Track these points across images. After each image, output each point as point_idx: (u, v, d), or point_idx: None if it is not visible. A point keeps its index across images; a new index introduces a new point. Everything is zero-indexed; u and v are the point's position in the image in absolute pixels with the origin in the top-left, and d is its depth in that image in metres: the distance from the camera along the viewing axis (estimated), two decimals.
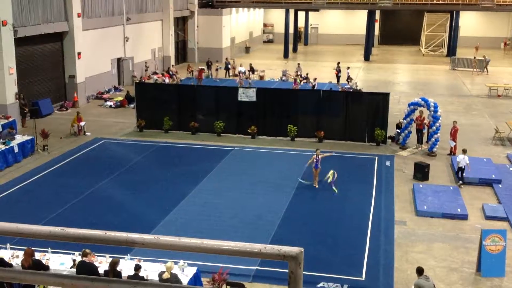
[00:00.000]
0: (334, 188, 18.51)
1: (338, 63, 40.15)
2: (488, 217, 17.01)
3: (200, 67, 40.16)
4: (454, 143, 22.93)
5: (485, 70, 44.31)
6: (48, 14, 29.28)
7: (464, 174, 19.75)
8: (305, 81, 37.52)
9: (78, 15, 31.27)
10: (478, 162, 21.54)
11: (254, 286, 12.92)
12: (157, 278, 11.36)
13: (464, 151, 19.90)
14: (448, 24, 55.05)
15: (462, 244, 15.35)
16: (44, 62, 30.06)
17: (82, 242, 2.14)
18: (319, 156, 19.10)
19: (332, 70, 39.48)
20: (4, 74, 25.57)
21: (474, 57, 45.50)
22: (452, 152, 22.86)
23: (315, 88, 32.87)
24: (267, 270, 13.39)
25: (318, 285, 12.95)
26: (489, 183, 19.72)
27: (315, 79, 36.28)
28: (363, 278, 13.49)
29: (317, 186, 19.10)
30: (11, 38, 25.82)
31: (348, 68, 38.74)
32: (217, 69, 41.98)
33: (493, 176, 20.07)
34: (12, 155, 21.47)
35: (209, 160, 22.24)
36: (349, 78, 37.18)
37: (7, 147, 21.32)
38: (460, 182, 19.71)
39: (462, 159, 19.64)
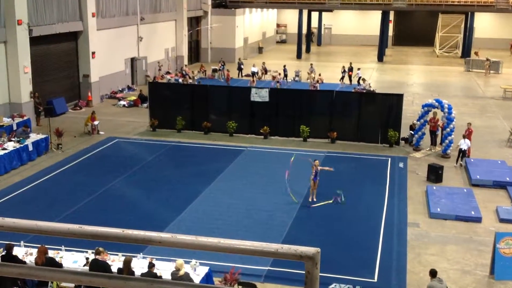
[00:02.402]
0: (339, 199, 18.08)
1: (350, 63, 39.99)
2: (502, 220, 16.87)
3: (226, 69, 39.94)
4: (469, 145, 22.75)
5: (489, 72, 44.00)
6: (63, 14, 29.49)
7: (464, 157, 21.54)
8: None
9: (93, 15, 31.46)
10: (492, 164, 21.38)
11: (266, 286, 12.91)
12: (169, 277, 11.40)
13: (464, 137, 21.85)
14: (463, 25, 54.65)
15: (475, 246, 15.24)
16: (59, 61, 30.28)
17: (100, 240, 2.15)
18: (318, 168, 17.89)
19: (341, 71, 39.23)
20: (19, 73, 25.80)
21: (487, 59, 45.13)
22: (467, 154, 22.68)
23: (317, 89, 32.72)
24: (279, 270, 13.38)
25: (330, 286, 12.90)
26: (503, 186, 19.55)
27: (317, 81, 36.07)
28: (375, 280, 13.44)
29: (315, 199, 17.89)
30: (26, 37, 26.04)
31: (359, 69, 38.63)
32: (218, 70, 41.43)
33: (508, 178, 19.89)
34: (27, 154, 21.65)
35: (221, 160, 22.27)
36: (359, 79, 37.08)
37: (22, 145, 21.49)
38: (460, 163, 21.44)
39: (463, 143, 21.46)
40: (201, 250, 2.21)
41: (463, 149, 21.55)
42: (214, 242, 2.18)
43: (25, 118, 25.24)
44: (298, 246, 2.26)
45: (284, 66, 40.16)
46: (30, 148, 21.85)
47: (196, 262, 12.32)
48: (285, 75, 39.17)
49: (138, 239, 2.13)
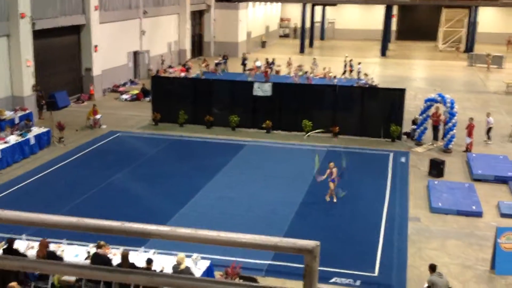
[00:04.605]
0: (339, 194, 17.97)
1: (349, 58, 40.03)
2: (503, 215, 16.88)
3: (266, 65, 39.83)
4: (470, 140, 22.75)
5: (489, 67, 43.94)
6: (65, 7, 29.47)
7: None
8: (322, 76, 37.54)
9: (96, 8, 31.44)
10: (494, 159, 21.37)
11: (267, 280, 12.94)
12: (171, 271, 11.44)
13: (488, 115, 24.46)
14: (466, 20, 54.46)
15: (476, 241, 15.25)
16: (61, 55, 30.28)
17: (99, 233, 2.17)
18: (333, 170, 17.40)
19: (343, 65, 39.26)
20: (22, 67, 25.81)
21: (489, 54, 45.00)
22: (468, 149, 22.68)
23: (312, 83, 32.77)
24: (280, 264, 13.42)
25: (331, 280, 12.95)
26: (505, 181, 19.55)
27: (305, 72, 36.21)
28: (376, 274, 13.47)
29: (328, 199, 17.67)
30: (29, 31, 26.04)
31: (359, 63, 38.63)
32: (218, 63, 41.30)
33: (509, 173, 19.89)
34: (29, 147, 21.70)
35: (224, 154, 22.29)
36: (359, 73, 37.12)
37: (24, 138, 21.54)
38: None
39: (491, 120, 24.19)
40: (201, 243, 2.23)
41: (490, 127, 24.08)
42: (213, 235, 2.19)
43: (27, 111, 25.27)
44: (298, 240, 2.27)
45: (267, 59, 40.61)
46: (32, 141, 21.89)
47: (198, 256, 12.34)
48: (265, 66, 39.53)
49: (137, 232, 2.15)
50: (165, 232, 2.20)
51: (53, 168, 20.51)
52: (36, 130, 22.63)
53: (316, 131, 19.52)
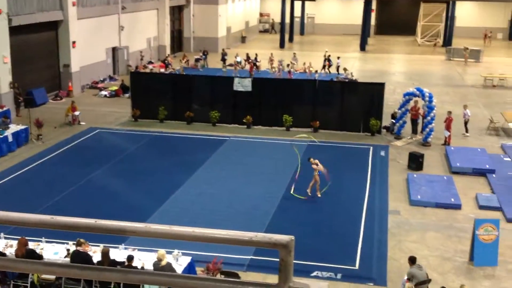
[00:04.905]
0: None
1: (328, 54, 40.08)
2: (481, 207, 17.10)
3: (250, 60, 39.64)
4: (449, 133, 23.00)
5: (468, 60, 44.43)
6: (43, 3, 29.08)
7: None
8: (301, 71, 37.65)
9: (73, 4, 31.07)
10: (472, 152, 21.63)
11: (249, 275, 12.96)
12: (152, 268, 11.39)
13: (465, 107, 24.58)
14: (444, 14, 54.97)
15: (455, 233, 15.44)
16: (39, 51, 29.89)
17: (72, 231, 2.15)
18: (319, 166, 17.43)
19: (322, 60, 39.33)
20: None
21: (466, 48, 45.45)
22: (447, 142, 22.93)
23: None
24: (261, 259, 13.44)
25: (312, 274, 13.01)
26: (483, 173, 19.81)
27: (288, 65, 36.33)
28: (357, 267, 13.57)
29: (310, 193, 17.58)
30: (6, 27, 25.64)
31: (339, 58, 38.76)
32: (198, 59, 41.09)
33: (487, 166, 20.16)
34: (6, 145, 21.42)
35: (204, 150, 22.24)
36: (338, 68, 37.27)
37: (1, 136, 21.26)
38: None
39: (467, 113, 24.24)
40: (176, 239, 2.22)
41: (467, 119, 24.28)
42: (188, 231, 2.18)
43: (4, 108, 24.90)
44: (272, 234, 2.28)
45: (247, 54, 40.75)
46: (10, 139, 21.61)
47: (179, 252, 12.32)
48: (245, 62, 39.67)
49: (111, 229, 2.13)
50: (140, 229, 2.19)
51: (32, 165, 20.28)
52: (13, 128, 22.35)
53: (301, 135, 19.69)
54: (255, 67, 38.39)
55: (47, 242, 12.79)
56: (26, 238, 11.93)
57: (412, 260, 12.14)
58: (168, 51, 44.48)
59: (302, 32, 63.47)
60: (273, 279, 12.36)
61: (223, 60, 41.14)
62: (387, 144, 23.41)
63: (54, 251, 12.48)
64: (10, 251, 12.13)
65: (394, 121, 24.65)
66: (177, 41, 49.03)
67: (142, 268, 11.34)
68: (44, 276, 11.41)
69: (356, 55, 48.43)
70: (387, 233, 15.34)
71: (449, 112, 23.47)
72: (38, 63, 29.90)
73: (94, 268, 2.11)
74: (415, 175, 19.45)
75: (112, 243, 12.33)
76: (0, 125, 22.07)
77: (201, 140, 23.69)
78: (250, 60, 39.71)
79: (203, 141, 23.53)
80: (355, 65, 42.63)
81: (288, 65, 37.91)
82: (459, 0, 51.20)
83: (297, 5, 59.82)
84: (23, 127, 22.65)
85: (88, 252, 11.78)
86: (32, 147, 22.29)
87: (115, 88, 32.47)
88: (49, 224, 2.06)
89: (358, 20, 53.81)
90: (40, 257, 11.72)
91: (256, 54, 40.56)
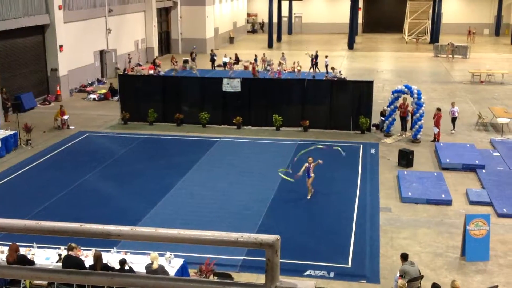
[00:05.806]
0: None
1: (311, 53, 40.08)
2: (472, 202, 17.20)
3: (251, 62, 39.46)
4: (438, 130, 23.12)
5: (453, 56, 44.67)
6: (28, 7, 28.91)
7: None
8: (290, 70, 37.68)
9: (59, 8, 30.92)
10: (461, 148, 21.75)
11: (242, 275, 12.97)
12: (144, 271, 11.37)
13: (453, 105, 24.60)
14: (430, 11, 55.25)
15: (446, 229, 15.52)
16: (26, 56, 29.72)
17: (58, 235, 2.14)
18: (311, 164, 17.31)
19: (309, 58, 39.31)
20: None
21: (450, 43, 45.66)
22: (436, 139, 23.05)
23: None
24: (254, 260, 13.43)
25: (305, 273, 13.03)
26: (473, 169, 19.91)
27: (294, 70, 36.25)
28: (349, 265, 13.61)
29: (309, 198, 17.48)
30: None
31: (326, 57, 38.81)
32: (186, 61, 40.89)
33: (477, 161, 20.27)
34: None
35: (195, 151, 22.20)
36: (327, 67, 37.32)
37: None
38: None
39: (455, 110, 24.30)
40: (161, 242, 2.22)
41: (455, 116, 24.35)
42: (173, 234, 2.18)
43: None
44: (259, 235, 2.28)
45: (236, 54, 40.55)
46: None
47: (171, 254, 12.29)
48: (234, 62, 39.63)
49: (97, 233, 2.12)
50: (125, 232, 2.19)
51: (21, 171, 20.16)
52: (2, 133, 22.20)
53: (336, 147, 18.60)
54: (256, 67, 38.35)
55: (38, 247, 12.72)
56: (17, 244, 11.86)
57: (404, 257, 12.20)
58: (156, 53, 44.38)
59: (290, 32, 63.58)
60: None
61: (212, 61, 41.10)
62: (377, 141, 23.49)
63: (46, 257, 12.42)
64: (2, 257, 12.05)
65: (383, 118, 24.73)
66: (165, 43, 48.95)
67: (133, 271, 11.32)
68: (36, 281, 11.35)
69: (344, 53, 48.55)
70: (379, 231, 15.40)
71: (438, 109, 23.59)
72: (26, 67, 29.73)
73: (80, 273, 2.11)
74: (405, 172, 19.52)
75: (104, 246, 12.29)
76: None
77: (191, 142, 23.66)
78: (251, 62, 39.54)
79: (194, 143, 23.50)
80: (343, 63, 42.75)
81: (279, 65, 37.91)
82: None
83: (284, 4, 59.91)
84: (11, 132, 22.50)
85: (80, 257, 11.73)
86: (21, 152, 22.16)
87: (103, 91, 32.35)
88: (35, 230, 2.05)
89: (346, 18, 53.95)
90: (31, 262, 11.66)
91: (256, 55, 40.37)
